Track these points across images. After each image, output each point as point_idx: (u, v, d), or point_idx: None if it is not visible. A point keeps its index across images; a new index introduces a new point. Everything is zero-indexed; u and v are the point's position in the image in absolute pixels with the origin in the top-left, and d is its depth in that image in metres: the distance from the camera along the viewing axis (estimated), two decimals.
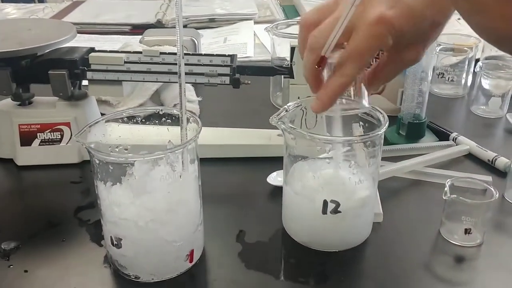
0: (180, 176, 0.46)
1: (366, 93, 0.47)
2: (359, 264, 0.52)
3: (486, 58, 0.94)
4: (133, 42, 0.96)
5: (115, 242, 0.46)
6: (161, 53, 0.65)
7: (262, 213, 0.59)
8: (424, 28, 0.44)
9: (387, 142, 0.73)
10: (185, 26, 1.27)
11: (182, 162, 0.46)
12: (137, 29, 1.28)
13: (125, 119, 0.51)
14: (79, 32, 1.23)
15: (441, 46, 0.90)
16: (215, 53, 0.66)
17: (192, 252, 0.49)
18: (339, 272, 0.50)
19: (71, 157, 0.67)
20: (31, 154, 0.67)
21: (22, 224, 0.57)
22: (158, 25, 1.31)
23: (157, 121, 0.51)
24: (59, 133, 0.66)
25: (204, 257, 0.51)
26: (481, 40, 0.95)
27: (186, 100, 0.82)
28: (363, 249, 0.53)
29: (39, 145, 0.67)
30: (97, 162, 0.45)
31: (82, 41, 1.19)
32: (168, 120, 0.51)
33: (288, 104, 0.52)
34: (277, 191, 0.59)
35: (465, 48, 0.90)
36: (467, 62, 0.91)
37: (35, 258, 0.51)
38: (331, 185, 0.49)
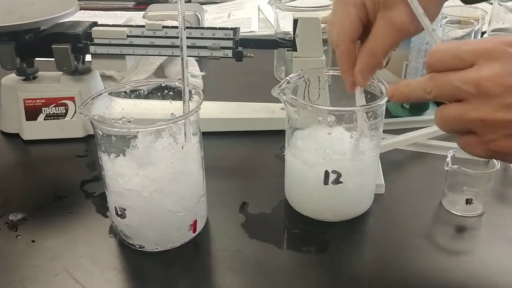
0: (183, 147, 0.46)
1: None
2: (360, 234, 0.52)
3: (493, 31, 0.94)
4: (137, 17, 0.96)
5: (119, 212, 0.47)
6: (163, 26, 0.65)
7: (265, 185, 0.59)
8: None
9: (390, 115, 0.73)
10: (189, 1, 1.26)
11: (185, 133, 0.47)
12: (141, 4, 1.27)
13: (128, 92, 0.51)
14: (82, 9, 1.24)
15: (447, 19, 0.89)
16: (218, 27, 0.66)
17: (195, 222, 0.50)
18: (340, 242, 0.50)
19: (76, 132, 0.68)
20: (37, 129, 0.68)
21: (29, 196, 0.58)
22: (162, 0, 1.30)
23: (159, 94, 0.51)
24: (63, 107, 0.67)
25: (208, 227, 0.52)
26: (488, 12, 0.94)
27: (190, 75, 0.83)
28: (364, 220, 0.53)
29: (44, 119, 0.67)
30: (101, 134, 0.46)
31: (85, 17, 1.20)
32: (170, 93, 0.51)
33: (290, 76, 0.52)
34: (280, 163, 0.59)
35: (471, 21, 0.89)
36: (473, 35, 0.89)
37: (42, 229, 0.52)
38: (332, 156, 0.49)
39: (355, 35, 0.47)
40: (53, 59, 0.65)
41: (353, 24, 0.47)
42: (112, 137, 0.45)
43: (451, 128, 0.40)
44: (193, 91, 0.48)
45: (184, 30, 0.45)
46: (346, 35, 0.47)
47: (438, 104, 0.74)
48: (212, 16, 1.20)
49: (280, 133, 0.57)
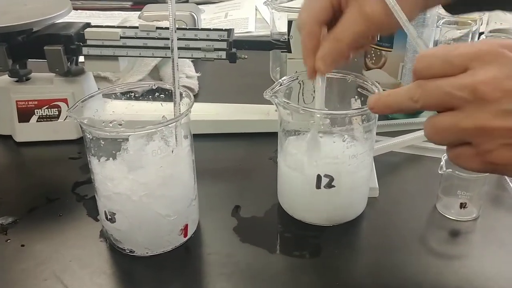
0: (173, 151, 0.46)
1: None
2: (354, 238, 0.52)
3: (490, 32, 0.93)
4: (133, 18, 0.96)
5: (109, 217, 0.47)
6: (157, 27, 0.65)
7: (259, 188, 0.59)
8: None
9: (386, 117, 0.73)
10: (186, 1, 1.25)
11: (176, 136, 0.46)
12: (138, 4, 1.27)
13: (119, 94, 0.50)
14: (79, 9, 1.24)
15: (444, 19, 0.88)
16: (212, 28, 0.66)
17: (186, 226, 0.49)
18: (333, 246, 0.50)
19: (69, 134, 0.68)
20: (29, 131, 0.67)
21: (20, 199, 0.58)
22: (160, 0, 1.29)
23: (150, 97, 0.51)
24: (56, 109, 0.66)
25: (199, 231, 0.52)
26: (485, 12, 0.93)
27: (185, 76, 0.83)
28: (358, 224, 0.53)
29: (37, 121, 0.67)
30: (90, 137, 0.45)
31: (83, 18, 1.19)
32: (161, 95, 0.50)
33: (283, 78, 0.52)
34: (274, 166, 0.59)
35: (469, 21, 0.88)
36: (470, 36, 0.89)
37: (32, 232, 0.52)
38: (325, 160, 0.49)
39: (323, 18, 0.46)
40: (46, 60, 0.64)
41: (323, 7, 0.45)
42: (101, 140, 0.45)
43: (443, 139, 0.38)
44: (183, 94, 0.48)
45: (175, 32, 0.45)
46: (313, 17, 0.46)
47: None
48: (210, 16, 1.19)
49: (275, 136, 0.56)
